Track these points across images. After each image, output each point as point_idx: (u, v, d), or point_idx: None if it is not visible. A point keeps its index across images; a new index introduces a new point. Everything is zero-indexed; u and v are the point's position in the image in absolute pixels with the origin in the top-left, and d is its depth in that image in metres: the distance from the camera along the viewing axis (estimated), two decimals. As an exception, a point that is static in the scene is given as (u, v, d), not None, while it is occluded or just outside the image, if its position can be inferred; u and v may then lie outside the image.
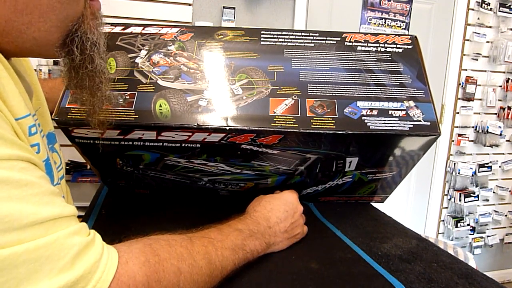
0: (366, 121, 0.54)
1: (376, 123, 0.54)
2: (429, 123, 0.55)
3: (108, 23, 0.63)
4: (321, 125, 0.53)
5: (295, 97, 0.56)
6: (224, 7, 1.60)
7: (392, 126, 0.54)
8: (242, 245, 0.47)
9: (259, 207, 0.55)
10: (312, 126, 0.53)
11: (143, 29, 0.63)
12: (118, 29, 0.63)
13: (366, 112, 0.55)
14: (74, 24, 0.40)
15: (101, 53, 0.43)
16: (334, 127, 0.53)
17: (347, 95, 0.57)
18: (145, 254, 0.37)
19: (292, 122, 0.53)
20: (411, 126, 0.54)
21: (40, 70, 1.39)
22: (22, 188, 0.30)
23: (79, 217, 0.37)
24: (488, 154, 2.10)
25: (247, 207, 0.57)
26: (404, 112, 0.55)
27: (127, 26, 0.63)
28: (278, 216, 0.54)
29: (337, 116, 0.54)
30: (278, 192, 0.61)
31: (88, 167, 1.43)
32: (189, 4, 1.56)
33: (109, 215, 0.65)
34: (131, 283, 0.34)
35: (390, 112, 0.55)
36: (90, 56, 0.42)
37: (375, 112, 0.55)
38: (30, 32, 0.37)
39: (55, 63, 1.40)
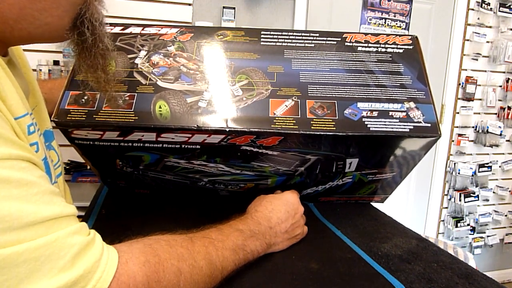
0: (366, 123, 0.54)
1: (376, 124, 0.54)
2: (429, 125, 0.55)
3: (107, 23, 0.63)
4: (321, 126, 0.53)
5: (295, 98, 0.56)
6: (224, 7, 1.60)
7: (392, 128, 0.54)
8: (242, 246, 0.47)
9: (260, 207, 0.55)
10: (312, 127, 0.53)
11: (142, 29, 0.63)
12: (117, 29, 0.62)
13: (367, 113, 0.55)
14: (82, 7, 0.41)
15: (107, 31, 0.46)
16: (334, 128, 0.53)
17: (347, 96, 0.56)
18: (145, 254, 0.37)
19: (292, 124, 0.53)
20: (412, 127, 0.54)
21: (40, 70, 1.39)
22: (22, 187, 0.30)
23: (79, 217, 0.37)
24: (488, 154, 2.10)
25: (248, 207, 0.57)
26: (404, 113, 0.55)
27: (126, 26, 0.63)
28: (279, 216, 0.54)
29: (337, 118, 0.54)
30: (279, 192, 0.61)
31: (88, 167, 1.43)
32: (189, 4, 1.56)
33: (109, 215, 0.65)
34: (131, 283, 0.34)
35: (390, 113, 0.55)
36: (100, 36, 0.44)
37: (375, 114, 0.55)
38: (43, 18, 0.38)
39: (55, 63, 1.41)
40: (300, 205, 0.58)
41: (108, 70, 0.48)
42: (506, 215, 2.22)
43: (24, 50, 0.56)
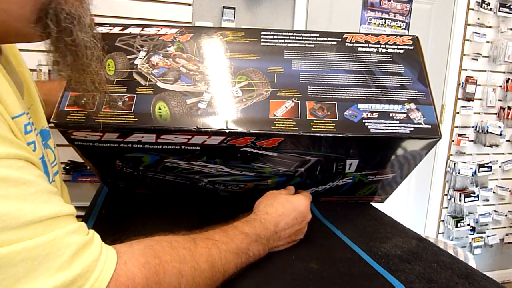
0: (366, 124, 0.54)
1: (376, 126, 0.54)
2: (429, 126, 0.55)
3: (107, 24, 0.63)
4: (321, 128, 0.53)
5: (295, 99, 0.56)
6: (224, 7, 1.60)
7: (392, 129, 0.54)
8: (246, 250, 0.47)
9: (271, 208, 0.54)
10: (312, 129, 0.53)
11: (142, 30, 0.63)
12: (116, 30, 0.62)
13: (367, 114, 0.55)
14: None
15: (84, 27, 0.42)
16: (335, 130, 0.53)
17: (348, 97, 0.56)
18: (146, 255, 0.37)
19: (292, 125, 0.53)
20: (412, 129, 0.54)
21: (40, 70, 1.39)
22: (20, 186, 0.30)
23: (78, 217, 0.37)
24: (488, 154, 2.10)
25: (257, 203, 0.56)
26: (404, 115, 0.55)
27: (126, 26, 0.63)
28: (287, 221, 0.53)
29: (337, 119, 0.54)
30: (292, 189, 0.60)
31: (88, 167, 1.43)
32: (189, 4, 1.56)
33: (109, 215, 0.65)
34: (129, 284, 0.34)
35: (390, 114, 0.55)
36: (66, 29, 0.40)
37: (375, 115, 0.55)
38: (1, 4, 0.36)
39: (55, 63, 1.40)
40: (309, 213, 0.57)
41: (81, 69, 0.44)
42: (506, 215, 2.22)
43: (25, 49, 0.56)
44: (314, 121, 0.54)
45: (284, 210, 0.54)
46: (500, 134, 2.03)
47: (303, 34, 0.64)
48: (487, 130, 2.02)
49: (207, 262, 0.41)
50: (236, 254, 0.45)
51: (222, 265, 0.43)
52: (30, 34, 0.40)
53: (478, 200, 2.10)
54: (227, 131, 0.52)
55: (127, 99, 0.53)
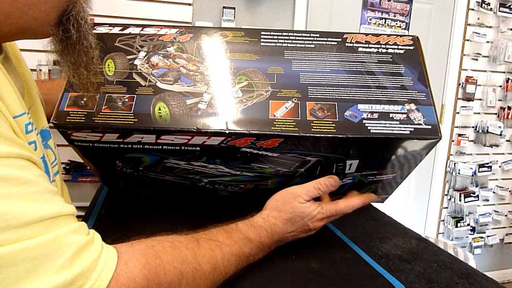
0: (366, 125, 0.54)
1: (376, 126, 0.54)
2: (430, 127, 0.54)
3: (106, 24, 0.63)
4: (321, 128, 0.53)
5: (295, 99, 0.56)
6: (224, 7, 1.61)
7: (392, 130, 0.54)
8: (248, 254, 0.47)
9: (281, 221, 0.52)
10: (312, 129, 0.53)
11: (141, 30, 0.63)
12: (116, 30, 0.62)
13: (367, 115, 0.55)
14: (69, 4, 0.42)
15: (91, 29, 0.46)
16: (335, 130, 0.53)
17: (348, 97, 0.56)
18: (147, 256, 0.37)
19: (292, 126, 0.53)
20: (412, 129, 0.54)
21: (40, 70, 1.39)
22: (21, 186, 0.30)
23: (79, 217, 0.37)
24: (488, 154, 2.10)
25: (270, 205, 0.53)
26: (405, 115, 0.55)
27: (125, 26, 0.63)
28: (291, 230, 0.52)
29: (337, 120, 0.54)
30: (327, 187, 0.55)
31: (88, 167, 1.43)
32: (189, 4, 1.57)
33: (109, 215, 0.65)
34: (130, 285, 0.34)
35: (391, 115, 0.55)
36: (84, 33, 0.44)
37: (375, 115, 0.55)
38: (32, 12, 0.39)
39: (55, 63, 1.41)
40: (318, 225, 0.55)
41: (91, 68, 0.48)
42: (506, 215, 2.22)
43: (25, 50, 0.56)
44: (314, 121, 0.53)
45: (296, 227, 0.52)
46: (500, 134, 2.03)
47: (303, 34, 0.63)
48: (487, 130, 2.02)
49: (209, 264, 0.41)
50: (238, 257, 0.45)
51: (224, 267, 0.43)
52: (47, 34, 0.43)
53: (478, 200, 2.10)
54: (227, 131, 0.52)
55: (127, 100, 0.53)
